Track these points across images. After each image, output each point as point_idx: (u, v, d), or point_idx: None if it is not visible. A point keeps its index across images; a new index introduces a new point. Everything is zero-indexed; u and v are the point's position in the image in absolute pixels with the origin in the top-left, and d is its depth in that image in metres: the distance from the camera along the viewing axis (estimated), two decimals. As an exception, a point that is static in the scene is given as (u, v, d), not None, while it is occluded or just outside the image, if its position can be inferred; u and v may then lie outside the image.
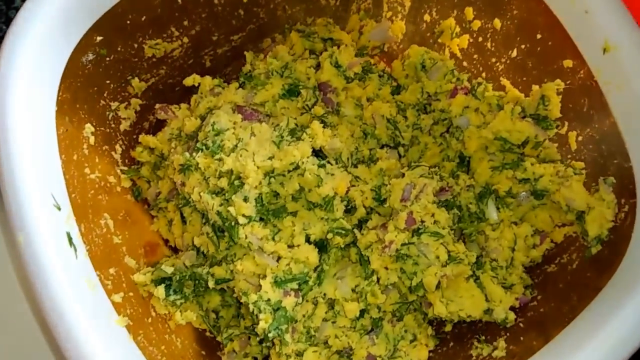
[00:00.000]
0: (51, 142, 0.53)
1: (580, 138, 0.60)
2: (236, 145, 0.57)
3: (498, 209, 0.62)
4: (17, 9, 0.77)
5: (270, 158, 0.56)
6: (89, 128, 0.59)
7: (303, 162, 0.55)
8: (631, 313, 0.49)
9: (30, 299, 0.60)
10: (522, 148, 0.61)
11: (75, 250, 0.50)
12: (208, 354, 0.60)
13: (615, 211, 0.55)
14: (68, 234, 0.49)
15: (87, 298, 0.48)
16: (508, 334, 0.56)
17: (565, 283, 0.57)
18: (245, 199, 0.55)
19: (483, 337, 0.58)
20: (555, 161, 0.61)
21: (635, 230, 0.53)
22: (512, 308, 0.58)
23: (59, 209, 0.50)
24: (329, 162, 0.59)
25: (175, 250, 0.65)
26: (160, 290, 0.55)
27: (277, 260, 0.56)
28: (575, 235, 0.60)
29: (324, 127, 0.59)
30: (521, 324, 0.57)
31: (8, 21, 0.78)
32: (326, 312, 0.59)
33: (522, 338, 0.55)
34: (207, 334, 0.62)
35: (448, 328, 0.63)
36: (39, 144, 0.51)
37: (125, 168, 0.64)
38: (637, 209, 0.53)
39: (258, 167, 0.55)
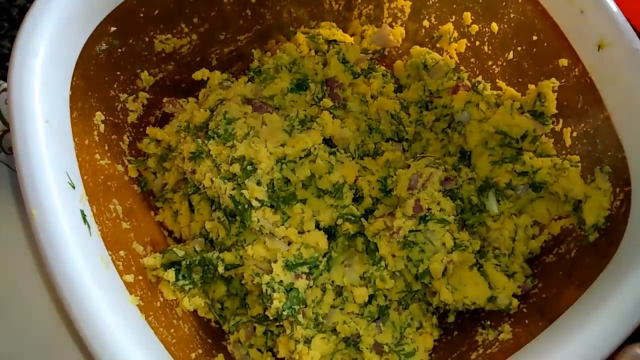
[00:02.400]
0: (65, 124, 0.54)
1: (574, 134, 0.63)
2: (248, 133, 0.58)
3: (498, 201, 0.64)
4: (18, 7, 0.78)
5: (282, 145, 0.57)
6: (99, 116, 0.60)
7: (315, 149, 0.57)
8: (629, 294, 0.51)
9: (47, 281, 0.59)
10: (521, 142, 0.63)
11: (89, 228, 0.49)
12: (214, 342, 0.59)
13: (611, 199, 0.58)
14: (82, 212, 0.49)
15: (100, 273, 0.48)
16: (512, 319, 0.58)
17: (564, 271, 0.59)
18: (258, 183, 0.56)
19: (488, 323, 0.59)
20: (552, 156, 0.64)
21: (631, 216, 0.55)
22: (514, 295, 0.60)
23: (73, 187, 0.50)
24: (338, 151, 0.61)
25: (179, 242, 0.65)
26: (170, 274, 0.55)
27: (288, 245, 0.57)
28: (571, 227, 0.63)
29: (333, 118, 0.61)
30: (524, 310, 0.58)
31: (10, 19, 0.78)
32: (334, 299, 0.59)
33: (526, 321, 0.56)
34: (212, 324, 0.61)
35: (451, 319, 0.64)
36: (54, 124, 0.51)
37: (133, 159, 0.65)
38: (632, 196, 0.56)
39: (270, 153, 0.56)
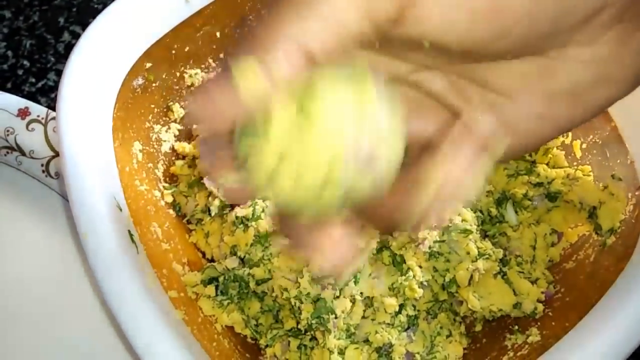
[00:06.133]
0: (109, 152, 0.58)
1: (584, 145, 0.67)
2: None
3: (516, 212, 0.67)
4: (64, 43, 0.84)
5: None
6: (137, 145, 0.64)
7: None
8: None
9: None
10: (534, 155, 0.67)
11: (137, 247, 0.53)
12: (251, 357, 0.61)
13: (624, 204, 0.61)
14: (129, 232, 0.53)
15: (149, 288, 0.50)
16: (539, 323, 0.60)
17: (585, 274, 0.62)
18: None
19: (516, 328, 0.61)
20: (564, 167, 0.68)
21: (644, 218, 0.59)
22: (539, 301, 0.62)
23: (121, 210, 0.54)
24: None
25: (212, 262, 0.68)
26: (210, 289, 0.58)
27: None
28: (588, 234, 0.65)
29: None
30: (550, 313, 0.60)
31: (56, 53, 0.84)
32: (364, 310, 0.61)
33: (553, 323, 0.58)
34: (249, 340, 0.64)
35: (478, 328, 0.66)
36: (100, 152, 0.56)
37: (167, 185, 0.68)
38: (644, 200, 0.59)
39: None
